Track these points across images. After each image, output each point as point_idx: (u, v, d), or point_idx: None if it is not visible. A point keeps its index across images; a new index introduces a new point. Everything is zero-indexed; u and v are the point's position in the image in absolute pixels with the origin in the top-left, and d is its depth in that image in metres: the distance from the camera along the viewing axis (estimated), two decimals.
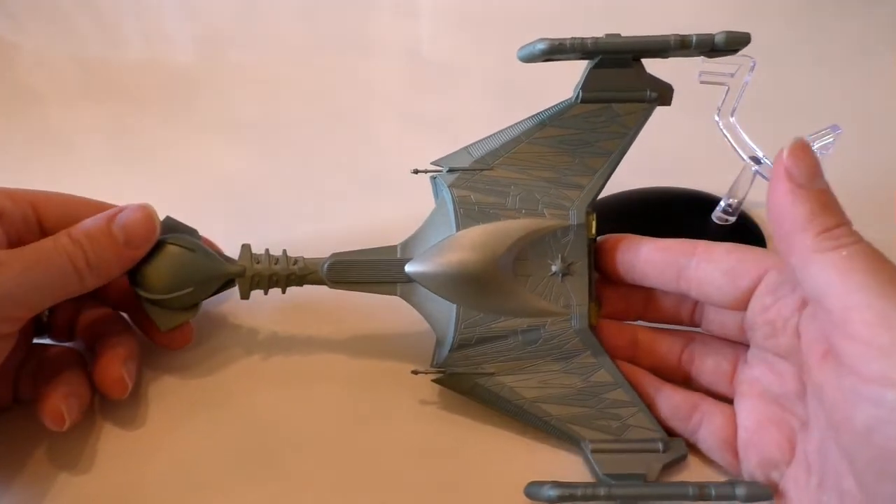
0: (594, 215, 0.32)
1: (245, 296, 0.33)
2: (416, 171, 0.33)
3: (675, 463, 0.30)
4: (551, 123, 0.32)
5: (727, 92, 0.37)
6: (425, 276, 0.32)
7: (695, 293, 0.30)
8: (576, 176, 0.32)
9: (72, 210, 0.32)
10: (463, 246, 0.31)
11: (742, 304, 0.30)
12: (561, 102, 0.32)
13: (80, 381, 0.32)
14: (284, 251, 0.34)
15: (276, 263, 0.33)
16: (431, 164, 0.33)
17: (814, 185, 0.26)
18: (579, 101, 0.31)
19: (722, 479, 0.30)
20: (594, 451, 0.30)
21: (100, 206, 0.33)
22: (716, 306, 0.31)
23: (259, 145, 0.47)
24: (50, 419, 0.30)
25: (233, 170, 0.45)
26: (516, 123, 0.32)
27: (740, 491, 0.27)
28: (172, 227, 0.33)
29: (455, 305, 0.31)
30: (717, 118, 0.37)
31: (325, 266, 0.33)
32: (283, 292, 0.34)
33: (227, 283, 0.33)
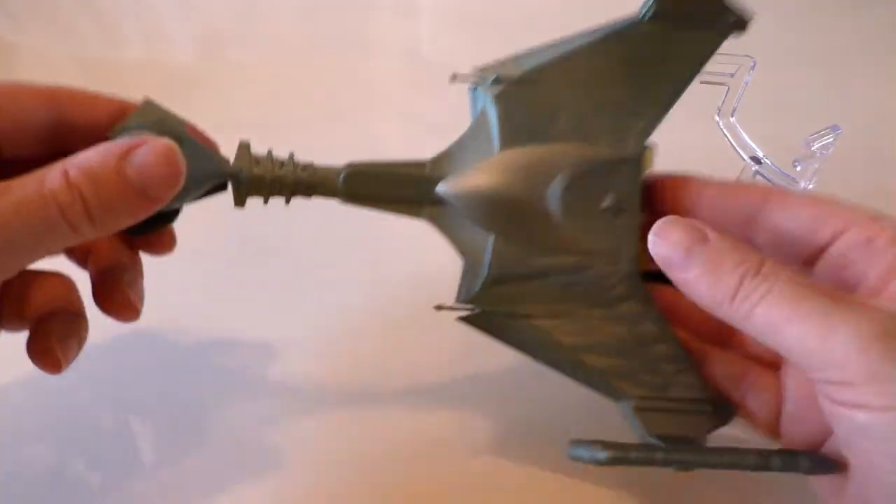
0: (652, 150, 0.29)
1: (240, 202, 0.28)
2: (454, 77, 0.29)
3: (720, 427, 0.28)
4: (614, 41, 0.28)
5: (727, 92, 0.37)
6: (460, 198, 0.28)
7: (761, 242, 0.28)
8: (636, 102, 0.28)
9: (18, 93, 0.27)
10: (506, 168, 0.28)
11: (812, 260, 0.27)
12: (626, 18, 0.28)
13: (75, 315, 0.29)
14: (291, 154, 0.29)
15: (280, 167, 0.28)
16: (475, 69, 0.29)
17: (700, 255, 0.24)
18: (648, 18, 0.28)
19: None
20: (637, 409, 0.27)
21: (118, 105, 0.28)
22: (782, 260, 0.28)
23: (259, 145, 0.47)
24: (44, 363, 0.27)
25: None
26: (574, 35, 0.29)
27: (804, 463, 0.25)
28: (153, 115, 0.27)
29: (491, 235, 0.28)
30: (717, 118, 0.37)
31: (342, 176, 0.28)
32: (287, 202, 0.29)
33: (219, 187, 0.28)
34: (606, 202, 0.28)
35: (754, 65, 0.35)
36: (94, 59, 0.55)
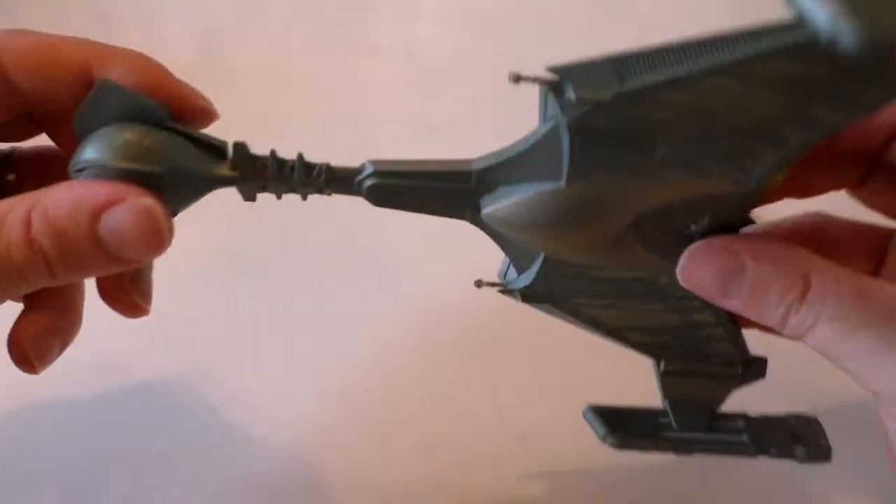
0: (787, 171, 0.21)
1: (249, 199, 0.25)
2: (517, 80, 0.21)
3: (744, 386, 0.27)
4: (769, 62, 0.19)
5: None
6: (506, 225, 0.24)
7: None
8: (785, 124, 0.20)
9: (48, 55, 0.24)
10: (574, 206, 0.22)
11: None
12: (792, 32, 0.18)
13: (68, 303, 0.26)
14: (300, 156, 0.25)
15: (290, 174, 0.24)
16: (550, 69, 0.20)
17: (738, 289, 0.22)
18: (852, 51, 0.16)
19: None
20: (665, 374, 0.26)
21: (87, 49, 0.24)
22: None
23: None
24: (18, 359, 0.25)
25: None
26: (707, 39, 0.20)
27: (799, 452, 0.26)
28: (125, 103, 0.23)
29: (542, 254, 0.24)
30: None
31: (366, 188, 0.24)
32: (304, 199, 0.26)
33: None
34: (695, 227, 0.23)
35: None
36: None
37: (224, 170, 0.24)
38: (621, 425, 0.27)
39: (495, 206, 0.23)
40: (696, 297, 0.24)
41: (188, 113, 0.24)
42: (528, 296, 0.25)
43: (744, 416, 0.27)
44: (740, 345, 0.26)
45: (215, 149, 0.24)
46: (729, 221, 0.23)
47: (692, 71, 0.19)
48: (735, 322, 0.26)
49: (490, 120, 0.42)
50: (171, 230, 0.22)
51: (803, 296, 0.21)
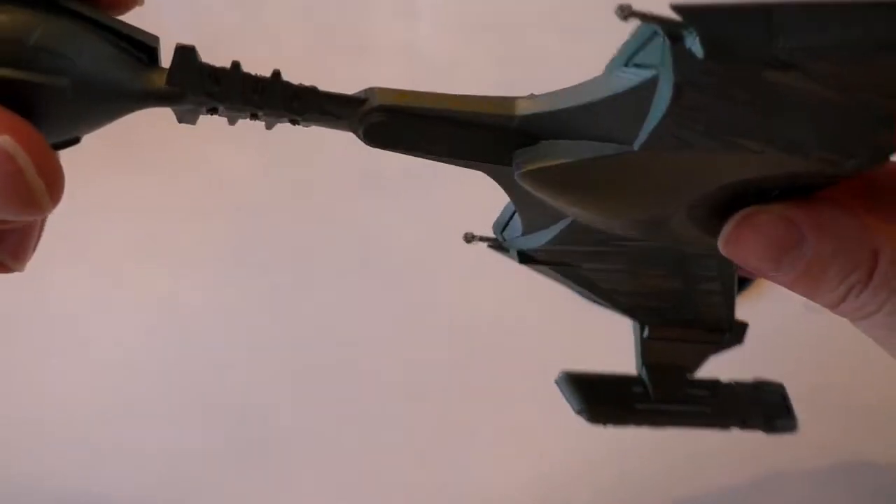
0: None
1: (188, 120, 0.20)
2: (627, 16, 0.16)
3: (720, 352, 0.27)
4: None
5: None
6: (542, 187, 0.19)
7: None
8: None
9: None
10: (632, 178, 0.18)
11: None
12: None
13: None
14: (276, 74, 0.20)
15: (259, 94, 0.19)
16: (674, 7, 0.15)
17: (792, 264, 0.19)
18: None
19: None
20: (648, 339, 0.25)
21: None
22: None
23: (259, 145, 0.47)
24: None
25: (233, 170, 0.45)
26: None
27: (766, 423, 0.26)
28: None
29: (569, 219, 0.21)
30: None
31: (365, 127, 0.19)
32: (269, 128, 0.21)
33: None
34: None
35: None
36: None
37: (157, 81, 0.18)
38: (596, 397, 0.26)
39: (536, 164, 0.19)
40: (713, 267, 0.23)
41: None
42: (528, 258, 0.22)
43: (713, 384, 0.26)
44: (732, 313, 0.25)
45: (143, 47, 0.18)
46: (797, 195, 0.19)
47: (862, 40, 0.14)
48: (735, 291, 0.25)
49: None
50: (56, 180, 0.16)
51: (867, 280, 0.18)
